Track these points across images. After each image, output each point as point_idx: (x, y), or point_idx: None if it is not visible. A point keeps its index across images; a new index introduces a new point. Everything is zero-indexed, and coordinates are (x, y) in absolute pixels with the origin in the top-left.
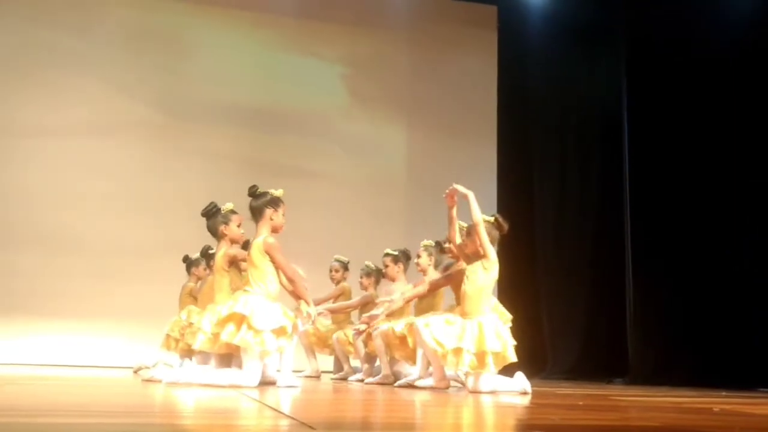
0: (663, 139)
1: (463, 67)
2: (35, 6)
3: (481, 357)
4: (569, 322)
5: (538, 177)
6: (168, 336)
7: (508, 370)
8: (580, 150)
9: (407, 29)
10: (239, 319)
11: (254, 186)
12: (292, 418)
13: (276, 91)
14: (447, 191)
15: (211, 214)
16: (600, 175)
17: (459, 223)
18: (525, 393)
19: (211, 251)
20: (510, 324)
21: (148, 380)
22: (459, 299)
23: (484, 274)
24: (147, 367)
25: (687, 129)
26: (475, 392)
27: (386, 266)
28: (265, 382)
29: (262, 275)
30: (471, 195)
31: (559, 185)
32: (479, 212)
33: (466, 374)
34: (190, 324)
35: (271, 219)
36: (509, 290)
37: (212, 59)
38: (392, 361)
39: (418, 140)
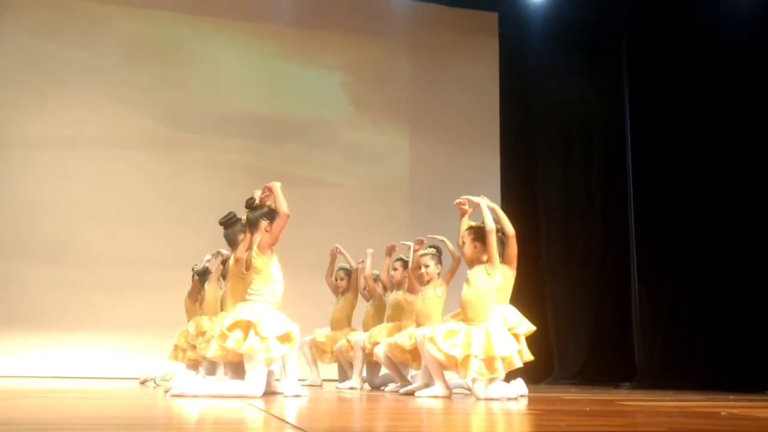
0: (666, 142)
1: (465, 74)
2: (39, 20)
3: (490, 362)
4: (575, 327)
5: (541, 183)
6: (176, 347)
7: (509, 377)
8: (583, 155)
9: (409, 37)
10: (246, 326)
11: (251, 198)
12: (300, 428)
13: (279, 101)
14: (457, 201)
15: (230, 224)
16: (604, 180)
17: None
18: (522, 396)
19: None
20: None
21: (178, 395)
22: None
23: (487, 279)
24: (153, 379)
25: (690, 131)
26: (481, 399)
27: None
28: (270, 393)
29: (267, 280)
30: (482, 203)
31: (562, 190)
32: (492, 220)
33: (474, 380)
34: (203, 333)
35: (266, 230)
36: (516, 296)
37: (215, 70)
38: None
39: (420, 148)
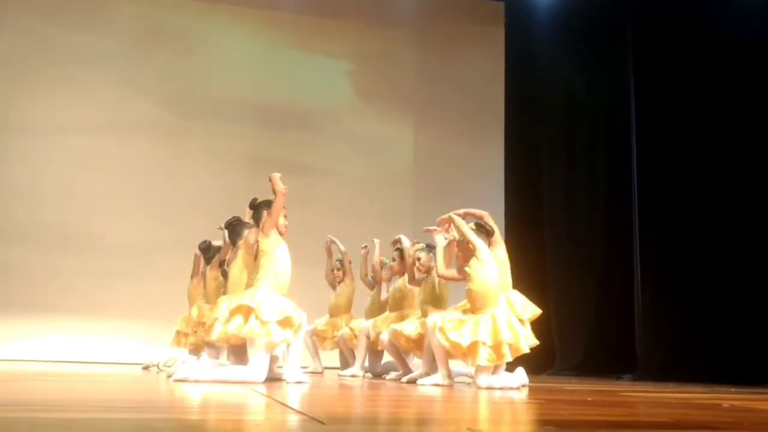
0: (671, 134)
1: (471, 63)
2: (46, 4)
3: (497, 348)
4: (578, 319)
5: (546, 174)
6: (178, 332)
7: (510, 366)
8: (588, 146)
9: (414, 26)
10: (246, 311)
11: (254, 198)
12: (302, 413)
13: (284, 89)
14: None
15: (234, 226)
16: (608, 172)
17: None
18: (523, 385)
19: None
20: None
21: (181, 380)
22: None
23: (482, 267)
24: (155, 364)
25: (695, 124)
26: (483, 388)
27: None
28: (272, 379)
29: (272, 262)
30: (452, 214)
31: (567, 181)
32: (459, 219)
33: (477, 369)
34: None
35: (267, 215)
36: (518, 287)
37: (221, 57)
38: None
39: (425, 137)
